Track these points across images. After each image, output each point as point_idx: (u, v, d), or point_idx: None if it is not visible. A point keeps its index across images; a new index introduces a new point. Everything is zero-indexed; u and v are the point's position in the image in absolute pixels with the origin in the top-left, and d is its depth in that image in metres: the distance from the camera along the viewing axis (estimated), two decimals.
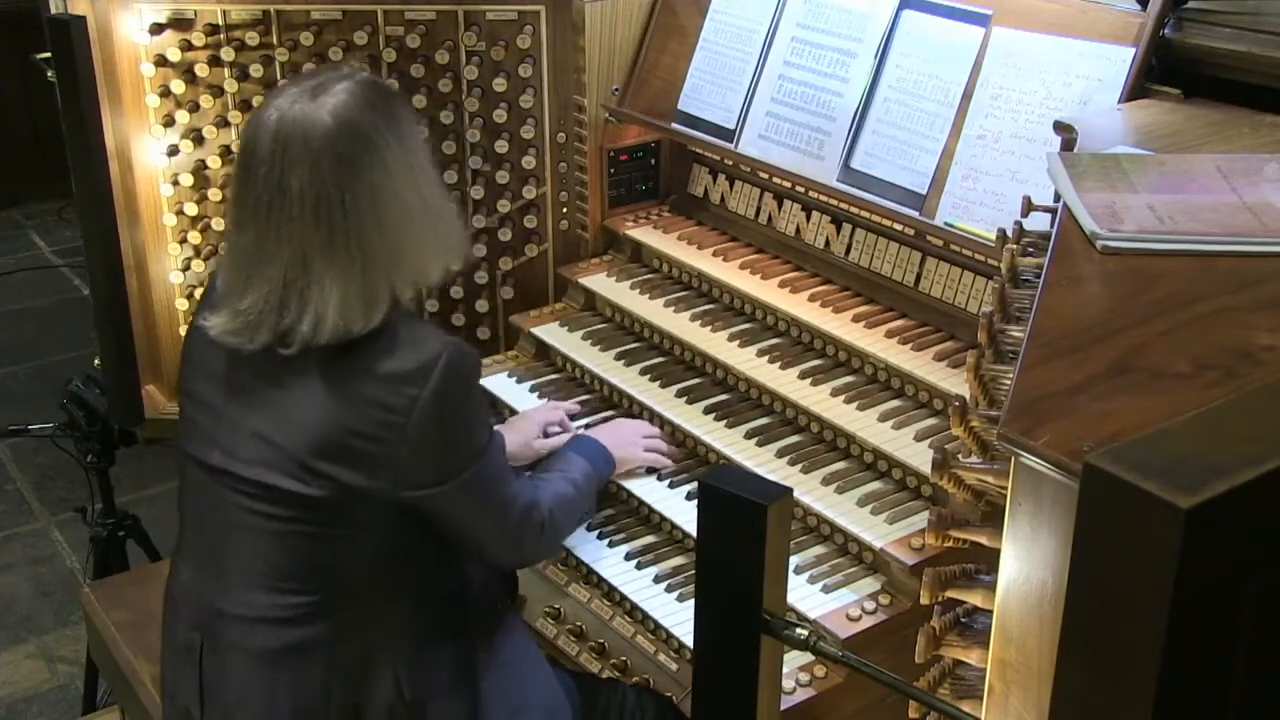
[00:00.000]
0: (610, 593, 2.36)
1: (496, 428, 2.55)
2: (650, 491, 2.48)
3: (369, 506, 1.89)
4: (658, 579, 2.34)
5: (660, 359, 2.76)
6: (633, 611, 2.32)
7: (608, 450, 2.40)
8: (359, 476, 1.86)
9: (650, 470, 2.51)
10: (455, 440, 1.91)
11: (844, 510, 2.28)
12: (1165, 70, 2.27)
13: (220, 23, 2.94)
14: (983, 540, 1.46)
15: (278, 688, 1.94)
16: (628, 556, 2.39)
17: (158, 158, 3.04)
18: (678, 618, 2.24)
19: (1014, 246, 1.73)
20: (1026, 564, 1.22)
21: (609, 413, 2.69)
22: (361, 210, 1.83)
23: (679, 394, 2.63)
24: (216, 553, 1.99)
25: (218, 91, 2.98)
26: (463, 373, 1.91)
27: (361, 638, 1.95)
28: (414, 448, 1.85)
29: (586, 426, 2.61)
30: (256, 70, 2.95)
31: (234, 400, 1.95)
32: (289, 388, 1.89)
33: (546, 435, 2.54)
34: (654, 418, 2.62)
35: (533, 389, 2.79)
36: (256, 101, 2.97)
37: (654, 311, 2.82)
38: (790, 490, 1.52)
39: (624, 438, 2.48)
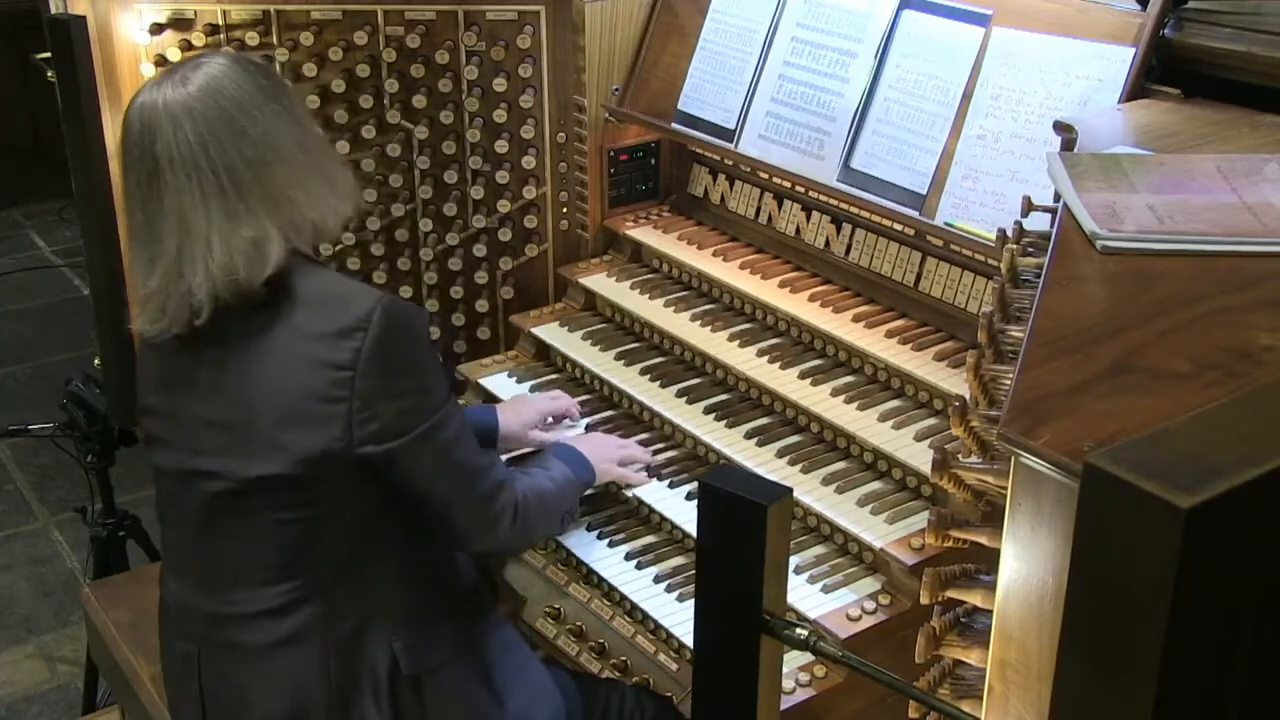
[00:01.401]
0: (610, 593, 2.36)
1: (496, 406, 2.55)
2: (650, 491, 2.48)
3: (334, 475, 1.90)
4: (658, 579, 2.34)
5: (660, 359, 2.76)
6: (633, 611, 2.32)
7: (588, 459, 2.37)
8: (316, 439, 1.87)
9: (649, 470, 2.51)
10: (404, 391, 1.91)
11: (844, 510, 2.28)
12: (1165, 70, 2.27)
13: (220, 23, 2.94)
14: (983, 540, 1.46)
15: (277, 679, 1.96)
16: (628, 556, 2.39)
17: None
18: (678, 618, 2.24)
19: (1014, 246, 1.73)
20: (1026, 564, 1.22)
21: (609, 412, 2.69)
22: (230, 159, 1.86)
23: (679, 394, 2.63)
24: (199, 558, 2.01)
25: None
26: (403, 322, 1.91)
27: (352, 616, 1.97)
28: (364, 400, 1.87)
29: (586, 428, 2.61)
30: None
31: (182, 398, 1.97)
32: (231, 369, 1.91)
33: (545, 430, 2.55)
34: (654, 418, 2.63)
35: (533, 389, 2.79)
36: None
37: (654, 311, 2.82)
38: (790, 490, 1.51)
39: (599, 453, 2.44)
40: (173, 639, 2.08)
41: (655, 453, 2.55)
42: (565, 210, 3.11)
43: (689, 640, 2.12)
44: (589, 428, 2.63)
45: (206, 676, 2.01)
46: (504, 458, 2.50)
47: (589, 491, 2.45)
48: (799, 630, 1.51)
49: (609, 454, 2.45)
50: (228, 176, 1.86)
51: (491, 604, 2.21)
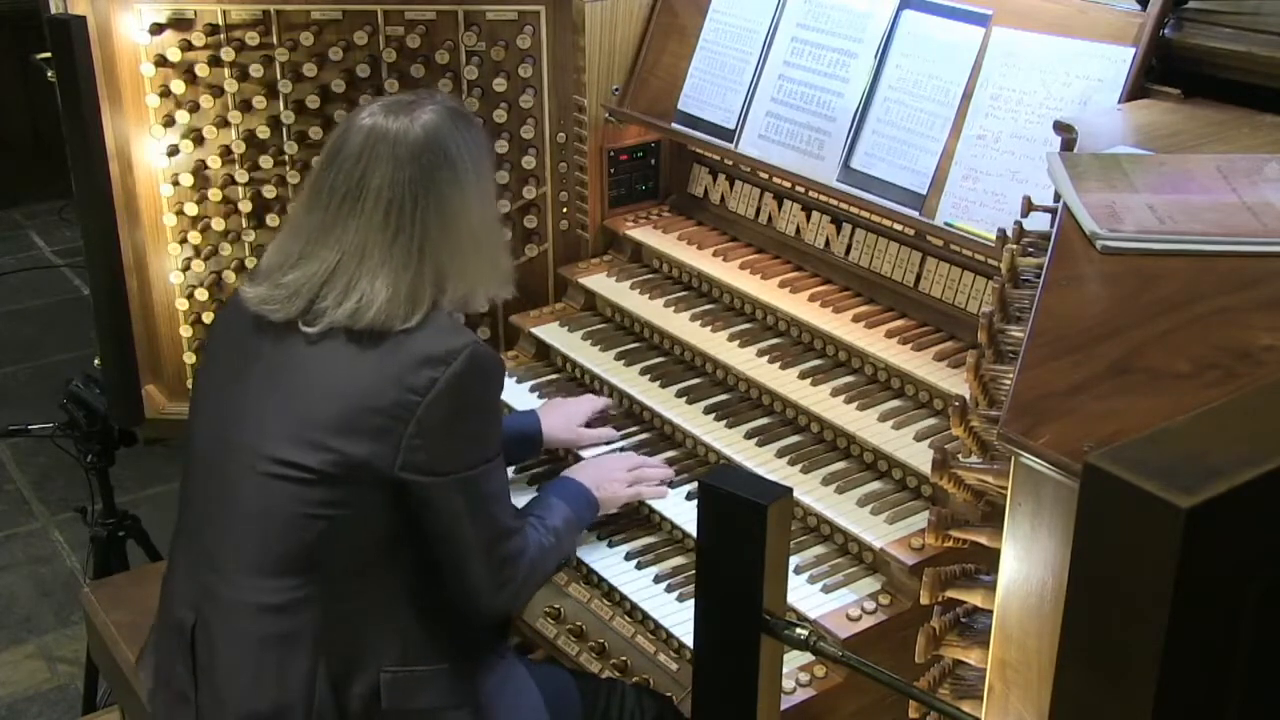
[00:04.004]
0: (610, 593, 2.36)
1: (536, 408, 2.57)
2: None
3: (369, 487, 1.91)
4: (658, 579, 2.34)
5: (660, 359, 2.76)
6: (633, 611, 2.32)
7: (591, 493, 2.34)
8: (364, 449, 1.90)
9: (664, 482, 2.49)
10: (462, 433, 1.95)
11: (844, 510, 2.28)
12: (1165, 70, 2.27)
13: (220, 23, 2.94)
14: (983, 540, 1.46)
15: (265, 674, 1.95)
16: (628, 556, 2.39)
17: (158, 158, 3.04)
18: (678, 618, 2.24)
19: (1014, 246, 1.73)
20: (1026, 564, 1.22)
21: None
22: (429, 220, 1.95)
23: (679, 394, 2.63)
24: (214, 532, 2.00)
25: (218, 91, 2.98)
26: (485, 370, 1.97)
27: (351, 633, 1.96)
28: (421, 428, 1.90)
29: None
30: (256, 70, 2.95)
31: (251, 370, 1.99)
32: (311, 360, 1.94)
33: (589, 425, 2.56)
34: (654, 418, 2.63)
35: (533, 389, 2.79)
36: (257, 101, 2.97)
37: (654, 311, 2.82)
38: (790, 490, 1.52)
39: (607, 475, 2.40)
40: (172, 607, 2.07)
41: (652, 453, 2.55)
42: (565, 210, 3.11)
43: (689, 640, 2.12)
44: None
45: (200, 650, 2.00)
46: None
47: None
48: (799, 630, 1.51)
49: (617, 476, 2.41)
50: (420, 233, 1.95)
51: (500, 641, 2.19)
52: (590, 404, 2.61)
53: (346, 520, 1.93)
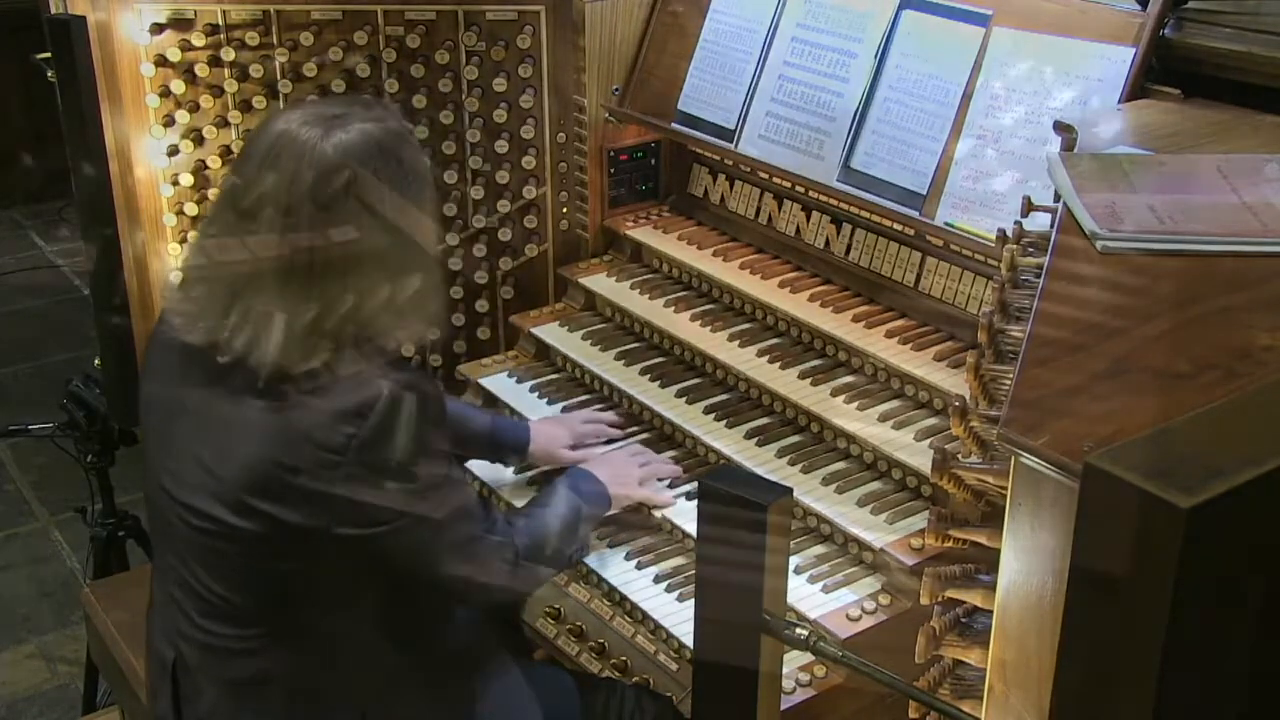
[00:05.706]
0: (610, 593, 2.36)
1: (531, 421, 2.54)
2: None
3: (310, 542, 1.83)
4: (658, 579, 2.34)
5: (660, 359, 2.76)
6: (633, 611, 2.32)
7: (603, 486, 2.32)
8: (295, 514, 1.81)
9: (673, 484, 2.48)
10: (397, 480, 1.84)
11: (844, 510, 2.28)
12: (1165, 70, 2.27)
13: (220, 23, 2.94)
14: (983, 540, 1.46)
15: (244, 714, 1.93)
16: (628, 556, 2.39)
17: (158, 158, 3.03)
18: (678, 618, 2.24)
19: (1014, 246, 1.73)
20: (1026, 564, 1.22)
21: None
22: (331, 246, 1.79)
23: (679, 394, 2.63)
24: (175, 578, 1.96)
25: (218, 91, 2.98)
26: (406, 413, 1.82)
27: (324, 671, 1.93)
28: (349, 487, 1.80)
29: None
30: (256, 70, 2.95)
31: (181, 422, 1.92)
32: (232, 414, 1.84)
33: (575, 448, 2.52)
34: (654, 418, 2.63)
35: (533, 389, 2.79)
36: (257, 101, 2.97)
37: (654, 311, 2.82)
38: (790, 490, 1.52)
39: (620, 473, 2.38)
40: (155, 641, 2.05)
41: (655, 451, 2.55)
42: (565, 210, 3.11)
43: (689, 640, 2.11)
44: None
45: (182, 684, 1.98)
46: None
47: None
48: (799, 630, 1.51)
49: (628, 475, 2.40)
50: (322, 254, 1.78)
51: (490, 653, 2.16)
52: (580, 427, 2.56)
53: (298, 573, 1.87)
